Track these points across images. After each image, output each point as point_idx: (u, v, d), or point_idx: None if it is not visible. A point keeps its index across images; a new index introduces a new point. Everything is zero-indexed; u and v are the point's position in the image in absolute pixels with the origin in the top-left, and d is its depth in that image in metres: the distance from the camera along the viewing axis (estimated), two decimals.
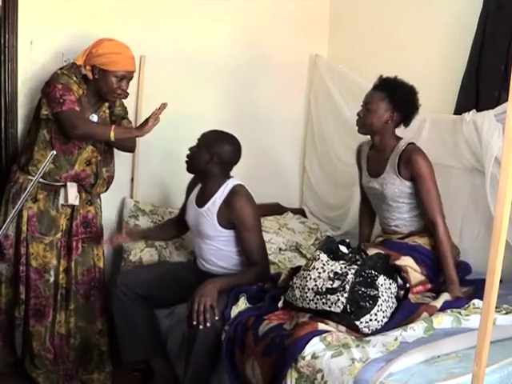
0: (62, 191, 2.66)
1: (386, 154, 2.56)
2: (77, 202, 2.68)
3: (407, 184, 2.52)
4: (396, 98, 2.50)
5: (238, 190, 2.51)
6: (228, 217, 2.49)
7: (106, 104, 2.72)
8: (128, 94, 2.66)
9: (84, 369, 2.75)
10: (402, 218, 2.59)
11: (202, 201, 2.58)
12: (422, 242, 2.55)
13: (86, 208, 2.74)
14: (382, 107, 2.51)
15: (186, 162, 2.59)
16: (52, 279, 2.67)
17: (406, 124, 2.58)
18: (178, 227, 2.85)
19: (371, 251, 2.40)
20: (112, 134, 2.51)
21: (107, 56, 2.55)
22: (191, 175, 2.69)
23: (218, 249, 2.58)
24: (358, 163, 2.80)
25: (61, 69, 2.62)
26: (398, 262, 2.42)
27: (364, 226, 2.86)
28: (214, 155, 2.49)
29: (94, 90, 2.63)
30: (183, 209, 2.78)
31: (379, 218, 2.75)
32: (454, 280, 2.39)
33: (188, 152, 2.59)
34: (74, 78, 2.58)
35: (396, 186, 2.52)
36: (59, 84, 2.53)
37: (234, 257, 2.60)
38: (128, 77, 2.63)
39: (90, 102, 2.67)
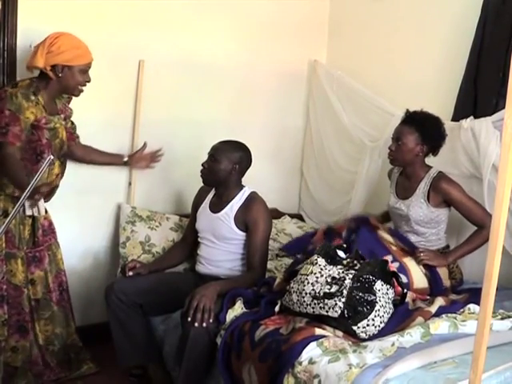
0: (26, 203, 2.50)
1: (416, 180, 2.66)
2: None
3: (433, 210, 2.62)
4: (425, 131, 2.57)
5: (256, 197, 2.70)
6: (244, 219, 2.64)
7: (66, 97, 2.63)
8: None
9: (68, 369, 2.75)
10: (418, 240, 2.68)
11: (217, 207, 2.72)
12: None
13: (44, 216, 2.66)
14: (412, 141, 2.59)
15: (204, 175, 2.69)
16: (26, 292, 2.61)
17: (435, 154, 2.65)
18: (184, 249, 2.91)
19: (381, 232, 2.65)
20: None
21: (70, 52, 2.47)
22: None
23: (229, 252, 2.70)
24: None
25: (16, 85, 2.49)
26: (409, 258, 2.56)
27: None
28: (235, 164, 2.64)
29: (57, 88, 2.54)
30: (189, 226, 2.90)
31: None
32: (450, 258, 2.56)
33: (202, 167, 2.68)
34: (32, 98, 2.46)
35: (422, 211, 2.62)
36: (7, 110, 2.39)
37: (239, 259, 2.70)
38: (89, 68, 2.57)
39: (52, 102, 2.56)
